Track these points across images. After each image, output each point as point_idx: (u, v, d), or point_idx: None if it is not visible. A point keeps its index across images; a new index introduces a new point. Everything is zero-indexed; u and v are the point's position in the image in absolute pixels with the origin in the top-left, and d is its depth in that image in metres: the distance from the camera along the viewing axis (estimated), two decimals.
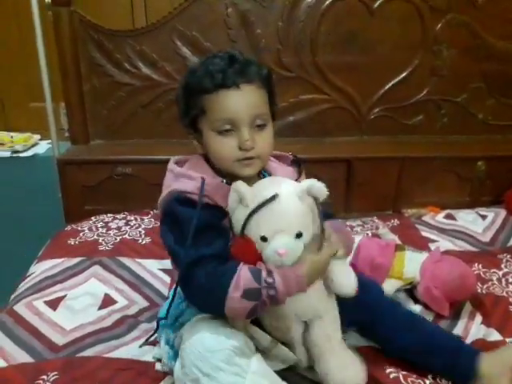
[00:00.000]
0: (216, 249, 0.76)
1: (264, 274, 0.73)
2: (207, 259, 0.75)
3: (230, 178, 0.82)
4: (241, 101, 0.79)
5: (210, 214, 0.78)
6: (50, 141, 1.73)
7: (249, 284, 0.72)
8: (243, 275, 0.73)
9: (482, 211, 1.61)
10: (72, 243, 1.36)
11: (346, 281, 0.81)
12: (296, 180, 0.87)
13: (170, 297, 0.90)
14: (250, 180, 0.83)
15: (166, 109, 1.68)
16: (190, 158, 0.89)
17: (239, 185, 0.76)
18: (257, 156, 0.81)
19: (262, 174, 0.89)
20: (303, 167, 0.94)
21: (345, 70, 1.68)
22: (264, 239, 0.75)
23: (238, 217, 0.77)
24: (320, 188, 0.76)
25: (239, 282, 0.72)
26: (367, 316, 0.93)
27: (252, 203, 0.75)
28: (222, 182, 0.82)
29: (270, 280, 0.73)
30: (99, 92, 1.67)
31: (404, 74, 1.71)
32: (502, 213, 1.58)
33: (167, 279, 1.22)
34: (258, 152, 0.81)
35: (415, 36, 1.66)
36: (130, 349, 0.97)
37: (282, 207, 0.75)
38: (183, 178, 0.82)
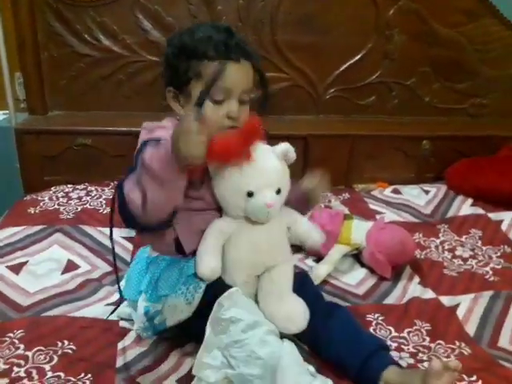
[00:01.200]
0: None
1: None
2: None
3: None
4: (239, 73, 0.85)
5: None
6: (6, 111, 1.69)
7: (138, 173, 0.76)
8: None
9: (426, 187, 1.74)
10: (32, 212, 1.37)
11: (312, 230, 0.93)
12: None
13: (137, 258, 0.96)
14: None
15: (126, 81, 1.69)
16: (159, 124, 0.92)
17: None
18: (238, 126, 0.86)
19: None
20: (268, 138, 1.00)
21: (303, 50, 1.75)
22: (250, 194, 0.84)
23: (227, 176, 0.84)
24: (293, 152, 0.87)
25: (133, 175, 0.78)
26: None
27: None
28: None
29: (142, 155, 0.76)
30: (58, 62, 1.65)
31: (358, 57, 1.79)
32: (443, 188, 1.71)
33: (129, 246, 1.26)
34: (240, 123, 0.86)
35: (369, 21, 1.74)
36: (95, 309, 1.02)
37: (265, 165, 0.84)
38: (157, 129, 0.86)
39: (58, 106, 1.71)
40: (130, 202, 0.78)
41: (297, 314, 0.88)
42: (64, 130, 1.61)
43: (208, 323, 0.80)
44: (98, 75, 1.68)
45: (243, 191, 0.84)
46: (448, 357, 0.94)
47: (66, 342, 0.91)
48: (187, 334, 0.92)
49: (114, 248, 0.93)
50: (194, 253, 0.89)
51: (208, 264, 0.83)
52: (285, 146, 0.87)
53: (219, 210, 0.91)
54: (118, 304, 0.98)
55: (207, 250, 0.84)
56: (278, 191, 0.86)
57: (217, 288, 0.84)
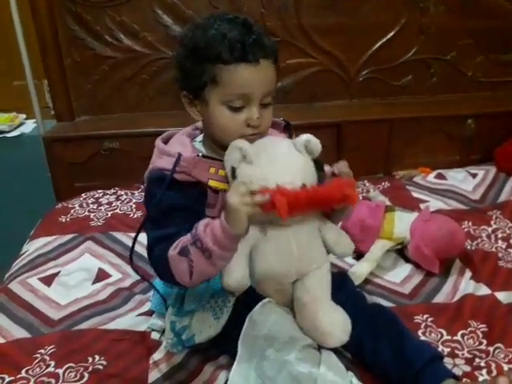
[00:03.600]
0: (177, 228, 0.74)
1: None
2: (171, 236, 0.74)
3: (222, 149, 0.80)
4: (259, 77, 0.75)
5: (181, 195, 0.76)
6: (35, 120, 1.70)
7: (185, 241, 0.71)
8: (185, 236, 0.72)
9: (472, 169, 1.61)
10: (63, 220, 1.37)
11: (340, 241, 0.83)
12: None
13: None
14: None
15: (150, 81, 1.65)
16: (175, 133, 0.87)
17: (240, 143, 0.75)
18: (260, 133, 0.79)
19: None
20: (293, 131, 0.92)
21: (331, 32, 1.65)
22: None
23: (244, 173, 0.75)
24: (316, 143, 0.77)
25: (178, 242, 0.72)
26: None
27: (256, 159, 0.74)
28: (198, 155, 0.80)
29: (193, 231, 0.71)
30: (81, 66, 1.64)
31: (391, 34, 1.68)
32: (492, 170, 1.58)
33: None
34: (262, 129, 0.79)
35: None
36: (126, 320, 0.99)
37: (286, 162, 0.76)
38: (163, 154, 0.81)
39: (85, 111, 1.70)
40: (175, 271, 0.72)
41: (336, 328, 0.80)
42: (91, 135, 1.60)
43: (240, 340, 0.75)
44: (121, 77, 1.65)
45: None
46: (510, 363, 0.85)
47: (96, 357, 0.89)
48: (219, 348, 0.87)
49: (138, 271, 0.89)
50: None
51: (233, 275, 0.76)
52: (305, 137, 0.78)
53: None
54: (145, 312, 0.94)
55: (232, 260, 0.77)
56: (303, 186, 0.76)
57: (248, 300, 0.78)
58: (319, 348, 0.82)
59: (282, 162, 0.76)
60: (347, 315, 0.81)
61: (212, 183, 0.78)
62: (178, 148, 0.80)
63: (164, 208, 0.76)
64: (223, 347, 0.86)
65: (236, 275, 0.76)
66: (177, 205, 0.76)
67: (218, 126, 0.78)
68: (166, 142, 0.85)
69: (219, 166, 0.79)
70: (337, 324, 0.80)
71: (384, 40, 1.68)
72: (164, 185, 0.75)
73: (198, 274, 0.72)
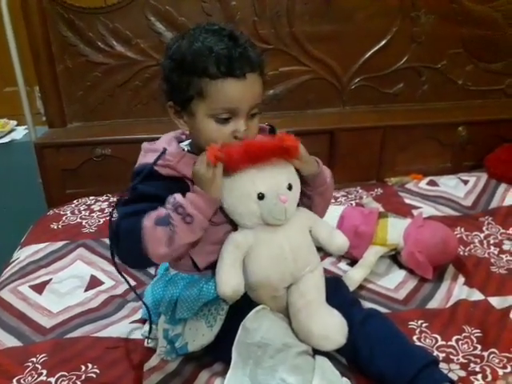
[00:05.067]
0: (150, 207, 0.73)
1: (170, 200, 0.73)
2: (136, 212, 0.73)
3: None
4: (245, 91, 0.75)
5: (161, 186, 0.76)
6: (26, 126, 1.68)
7: (159, 212, 0.72)
8: (156, 210, 0.72)
9: (464, 176, 1.63)
10: (55, 227, 1.35)
11: (334, 235, 0.83)
12: None
13: (159, 275, 0.91)
14: None
15: (143, 87, 1.64)
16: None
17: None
18: (247, 139, 0.78)
19: None
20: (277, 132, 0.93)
21: (323, 40, 1.66)
22: (261, 196, 0.77)
23: (230, 185, 0.78)
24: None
25: (150, 214, 0.72)
26: None
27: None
28: (184, 150, 0.80)
29: (171, 200, 0.72)
30: (73, 73, 1.62)
31: (383, 42, 1.69)
32: (484, 177, 1.59)
33: None
34: (250, 137, 0.79)
35: (393, 2, 1.64)
36: (119, 327, 0.98)
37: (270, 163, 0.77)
38: (148, 152, 0.81)
39: (77, 118, 1.68)
40: (150, 241, 0.71)
41: (333, 330, 0.80)
42: (83, 142, 1.58)
43: (233, 348, 0.74)
44: (113, 83, 1.64)
45: (253, 195, 0.77)
46: (504, 367, 0.85)
47: (89, 366, 0.87)
48: (213, 356, 0.86)
49: (125, 277, 0.86)
50: (212, 268, 0.82)
51: (228, 283, 0.76)
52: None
53: (230, 223, 0.83)
54: (150, 325, 0.90)
55: (226, 269, 0.77)
56: (290, 187, 0.79)
57: (241, 307, 0.77)
58: (314, 354, 0.81)
59: (265, 165, 0.76)
60: (343, 318, 0.81)
61: None
62: (163, 144, 0.80)
63: (137, 194, 0.75)
64: (217, 355, 0.86)
65: (232, 283, 0.75)
66: (149, 193, 0.75)
67: (204, 137, 0.78)
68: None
69: None
70: (333, 326, 0.80)
71: (376, 48, 1.70)
72: (141, 175, 0.75)
73: (178, 241, 0.72)
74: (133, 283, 1.11)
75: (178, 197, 0.73)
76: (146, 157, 0.80)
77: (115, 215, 0.76)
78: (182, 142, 0.87)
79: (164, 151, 0.77)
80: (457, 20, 1.69)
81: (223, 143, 0.74)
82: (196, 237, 0.74)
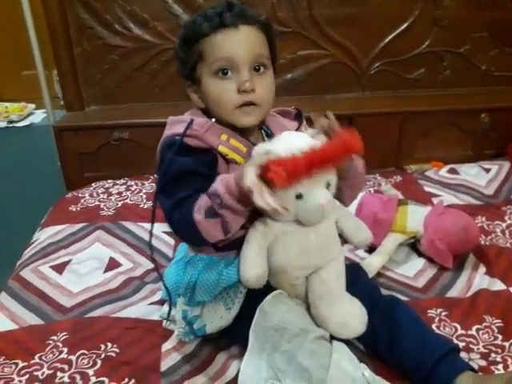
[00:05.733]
0: (192, 190, 0.73)
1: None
2: (182, 201, 0.73)
3: (231, 129, 0.79)
4: (239, 39, 0.76)
5: (192, 160, 0.75)
6: (45, 110, 1.70)
7: (206, 203, 0.70)
8: (201, 197, 0.71)
9: (486, 164, 1.59)
10: (74, 210, 1.36)
11: (359, 229, 0.82)
12: (296, 130, 0.86)
13: (177, 257, 0.91)
14: (250, 133, 0.82)
15: (160, 70, 1.64)
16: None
17: (266, 145, 0.70)
18: (257, 102, 0.77)
19: (264, 129, 0.87)
20: (303, 119, 0.91)
21: (343, 24, 1.63)
22: (299, 196, 0.73)
23: None
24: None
25: (199, 205, 0.71)
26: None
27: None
28: (211, 121, 0.79)
29: (211, 190, 0.70)
30: (91, 56, 1.62)
31: (404, 26, 1.65)
32: (506, 165, 1.56)
33: (171, 241, 1.22)
34: (257, 97, 0.77)
35: None
36: (138, 308, 0.98)
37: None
38: (175, 123, 0.80)
39: (95, 101, 1.68)
40: (206, 234, 0.71)
41: (352, 318, 0.79)
42: (100, 125, 1.59)
43: (250, 331, 0.74)
44: (131, 66, 1.64)
45: (291, 195, 0.72)
46: None
47: (109, 345, 0.88)
48: (230, 338, 0.87)
49: (152, 254, 0.86)
50: (230, 248, 0.82)
51: (253, 271, 0.74)
52: (313, 130, 0.76)
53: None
54: (170, 306, 0.90)
55: (251, 256, 0.75)
56: (328, 185, 0.75)
57: (259, 290, 0.76)
58: (331, 340, 0.81)
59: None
60: (363, 306, 0.81)
61: (222, 149, 0.77)
62: (190, 115, 0.80)
63: (174, 173, 0.75)
64: (234, 338, 0.86)
65: (257, 271, 0.74)
66: (187, 169, 0.75)
67: (211, 100, 0.79)
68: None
69: (231, 135, 0.78)
70: (353, 315, 0.79)
71: (397, 32, 1.66)
72: (173, 149, 0.74)
73: (232, 228, 0.71)
74: (151, 266, 1.12)
75: (219, 189, 0.69)
76: (173, 128, 0.79)
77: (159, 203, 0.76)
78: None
79: (191, 121, 0.77)
80: (481, 3, 1.64)
81: (279, 159, 0.65)
82: (247, 216, 0.72)
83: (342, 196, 0.85)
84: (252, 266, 0.75)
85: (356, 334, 0.80)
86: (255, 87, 0.76)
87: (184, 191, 0.73)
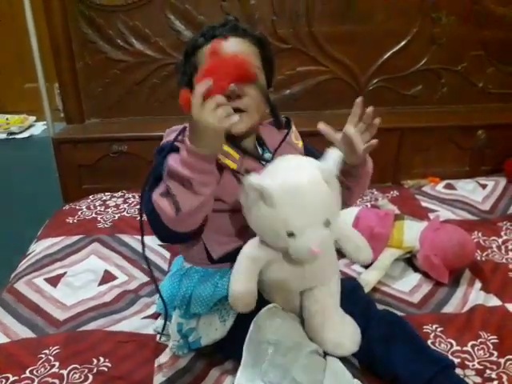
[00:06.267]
0: None
1: None
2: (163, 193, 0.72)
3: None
4: (228, 47, 0.77)
5: None
6: (45, 122, 1.71)
7: (163, 185, 0.71)
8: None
9: (482, 180, 1.60)
10: (70, 222, 1.36)
11: (360, 250, 0.81)
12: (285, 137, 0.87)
13: (172, 270, 0.90)
14: (245, 141, 0.83)
15: (160, 85, 1.66)
16: None
17: (259, 180, 0.68)
18: (244, 108, 0.78)
19: (258, 142, 0.88)
20: (292, 125, 0.92)
21: (342, 41, 1.65)
22: (291, 234, 0.68)
23: (259, 214, 0.69)
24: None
25: (160, 186, 0.72)
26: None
27: (276, 199, 0.67)
28: None
29: (165, 165, 0.70)
30: (92, 70, 1.64)
31: (402, 43, 1.68)
32: (502, 181, 1.57)
33: (167, 254, 1.22)
34: (245, 104, 0.78)
35: (413, 3, 1.62)
36: (131, 322, 0.98)
37: (310, 198, 0.68)
38: (170, 133, 0.82)
39: (95, 114, 1.70)
40: (161, 213, 0.71)
41: (345, 338, 0.79)
42: (100, 138, 1.60)
43: (245, 345, 0.74)
44: (132, 81, 1.66)
45: (282, 232, 0.69)
46: None
47: (101, 359, 0.87)
48: (225, 353, 0.86)
49: (148, 263, 0.85)
50: (225, 260, 0.82)
51: (241, 299, 0.73)
52: (332, 166, 0.72)
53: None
54: (165, 319, 0.89)
55: (240, 282, 0.73)
56: (327, 222, 0.69)
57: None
58: (325, 355, 0.80)
59: (304, 200, 0.68)
60: (356, 325, 0.80)
61: None
62: (184, 124, 0.80)
63: (160, 173, 0.74)
64: (229, 351, 0.85)
65: (246, 300, 0.73)
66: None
67: None
68: None
69: (224, 142, 0.77)
70: (346, 335, 0.79)
71: (395, 49, 1.68)
72: (164, 153, 0.74)
73: (184, 207, 0.68)
74: (146, 279, 1.12)
75: (171, 160, 0.69)
76: (167, 137, 0.82)
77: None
78: None
79: (184, 128, 0.78)
80: (478, 22, 1.66)
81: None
82: (203, 196, 0.69)
83: (351, 195, 0.85)
84: (240, 294, 0.73)
85: (348, 353, 0.80)
86: (242, 93, 0.77)
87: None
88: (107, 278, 1.13)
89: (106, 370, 0.85)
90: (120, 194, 1.52)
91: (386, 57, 1.68)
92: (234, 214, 0.81)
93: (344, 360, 0.82)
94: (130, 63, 1.64)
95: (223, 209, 0.81)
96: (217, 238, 0.82)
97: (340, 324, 0.80)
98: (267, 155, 0.88)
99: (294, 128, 0.92)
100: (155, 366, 0.87)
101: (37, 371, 0.85)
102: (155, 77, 1.66)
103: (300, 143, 0.93)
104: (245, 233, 0.79)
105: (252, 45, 0.82)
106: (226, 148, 0.79)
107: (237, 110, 0.76)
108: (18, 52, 2.55)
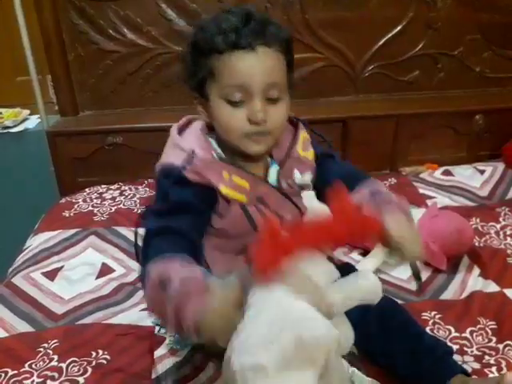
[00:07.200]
0: (180, 224, 0.68)
1: None
2: (164, 229, 0.67)
3: (237, 154, 0.76)
4: (256, 65, 0.69)
5: (189, 193, 0.72)
6: (39, 115, 1.69)
7: (169, 273, 0.59)
8: (173, 261, 0.60)
9: (480, 166, 1.59)
10: (67, 215, 1.36)
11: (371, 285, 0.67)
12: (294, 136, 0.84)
13: None
14: (258, 159, 0.79)
15: (154, 75, 1.63)
16: (193, 122, 0.83)
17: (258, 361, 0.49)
18: (268, 132, 0.73)
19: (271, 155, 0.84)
20: (300, 126, 0.88)
21: (336, 27, 1.63)
22: None
23: None
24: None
25: (166, 269, 0.59)
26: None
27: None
28: (213, 157, 0.76)
29: (174, 288, 0.57)
30: (85, 61, 1.62)
31: (398, 29, 1.65)
32: (500, 166, 1.56)
33: None
34: (270, 127, 0.72)
35: None
36: (129, 315, 0.98)
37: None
38: (176, 148, 0.77)
39: (88, 106, 1.68)
40: (147, 286, 0.61)
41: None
42: (94, 130, 1.58)
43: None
44: (125, 71, 1.63)
45: None
46: None
47: (100, 352, 0.88)
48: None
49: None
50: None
51: None
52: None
53: (249, 235, 0.76)
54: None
55: None
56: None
57: None
58: None
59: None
60: (350, 325, 0.80)
61: (223, 190, 0.73)
62: (192, 143, 0.76)
63: (170, 203, 0.72)
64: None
65: None
66: (183, 202, 0.72)
67: (219, 123, 0.74)
68: (182, 128, 0.82)
69: (233, 171, 0.75)
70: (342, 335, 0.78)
71: (391, 35, 1.66)
72: (171, 180, 0.72)
73: (156, 307, 0.60)
74: None
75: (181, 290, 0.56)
76: (173, 154, 0.76)
77: (144, 221, 0.73)
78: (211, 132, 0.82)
79: (192, 155, 0.73)
80: (474, 5, 1.64)
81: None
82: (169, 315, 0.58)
83: None
84: None
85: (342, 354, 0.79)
86: (267, 117, 0.71)
87: (172, 221, 0.69)
88: (105, 270, 1.13)
89: (104, 362, 0.85)
90: (116, 186, 1.51)
91: (381, 43, 1.66)
92: (237, 238, 0.78)
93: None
94: (122, 54, 1.62)
95: (228, 248, 0.79)
96: (219, 257, 0.80)
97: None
98: (273, 168, 0.83)
99: (300, 136, 0.85)
100: (154, 357, 0.87)
101: (36, 365, 0.85)
102: (148, 67, 1.63)
103: (310, 155, 0.86)
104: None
105: (279, 52, 0.72)
106: (236, 179, 0.74)
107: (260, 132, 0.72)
108: (9, 45, 2.52)
